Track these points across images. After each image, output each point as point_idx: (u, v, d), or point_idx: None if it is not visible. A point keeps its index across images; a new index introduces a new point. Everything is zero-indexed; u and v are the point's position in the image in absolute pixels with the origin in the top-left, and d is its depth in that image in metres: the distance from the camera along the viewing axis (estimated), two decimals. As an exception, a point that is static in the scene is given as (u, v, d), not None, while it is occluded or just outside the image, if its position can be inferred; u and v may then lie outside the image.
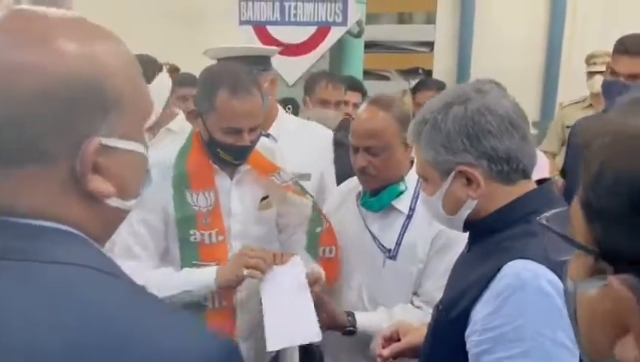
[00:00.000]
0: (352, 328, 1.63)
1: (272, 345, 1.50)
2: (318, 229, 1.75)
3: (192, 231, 1.62)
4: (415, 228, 1.65)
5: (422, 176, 1.19)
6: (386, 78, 6.58)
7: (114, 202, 0.66)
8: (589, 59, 3.69)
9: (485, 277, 1.02)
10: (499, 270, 1.00)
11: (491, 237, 1.09)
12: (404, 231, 1.66)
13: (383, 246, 1.68)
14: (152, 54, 2.46)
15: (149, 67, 2.38)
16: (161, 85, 2.41)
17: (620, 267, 0.50)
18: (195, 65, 3.14)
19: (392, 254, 1.67)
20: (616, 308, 0.50)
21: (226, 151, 1.60)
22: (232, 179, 1.69)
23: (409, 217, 1.67)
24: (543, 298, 0.95)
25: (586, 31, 5.94)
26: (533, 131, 4.82)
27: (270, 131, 2.19)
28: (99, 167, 0.63)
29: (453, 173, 1.10)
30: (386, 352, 1.36)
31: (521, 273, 0.98)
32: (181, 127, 2.49)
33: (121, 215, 0.70)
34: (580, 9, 6.27)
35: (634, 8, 5.78)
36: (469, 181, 1.09)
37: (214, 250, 1.64)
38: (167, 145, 2.23)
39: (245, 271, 1.53)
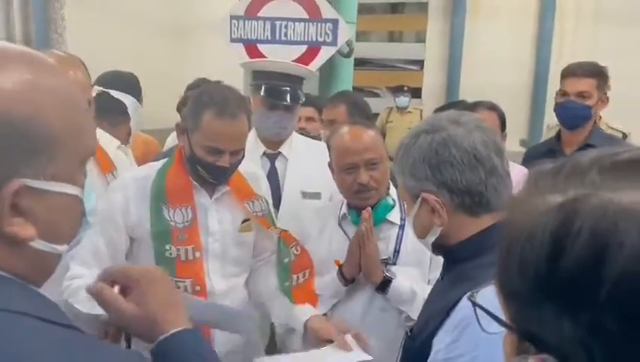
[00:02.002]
0: (388, 277, 1.66)
1: None
2: (286, 260, 1.74)
3: (167, 246, 1.61)
4: (411, 235, 1.67)
5: (401, 196, 1.23)
6: (376, 95, 6.63)
7: (39, 245, 0.62)
8: None
9: (447, 306, 1.03)
10: (459, 299, 1.00)
11: (461, 265, 1.10)
12: (401, 240, 1.72)
13: (381, 259, 1.70)
14: (146, 68, 2.47)
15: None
16: None
17: (542, 347, 0.46)
18: (186, 80, 3.16)
19: (392, 261, 1.71)
20: None
21: (205, 169, 1.60)
22: (211, 197, 1.69)
23: (401, 227, 1.72)
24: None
25: (574, 50, 6.02)
26: (521, 149, 4.86)
27: (281, 150, 2.20)
28: (21, 209, 0.59)
29: (420, 199, 1.13)
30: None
31: None
32: None
33: (51, 258, 0.65)
34: (567, 28, 6.37)
35: (620, 28, 5.88)
36: (433, 209, 1.11)
37: (190, 267, 1.63)
38: None
39: None
